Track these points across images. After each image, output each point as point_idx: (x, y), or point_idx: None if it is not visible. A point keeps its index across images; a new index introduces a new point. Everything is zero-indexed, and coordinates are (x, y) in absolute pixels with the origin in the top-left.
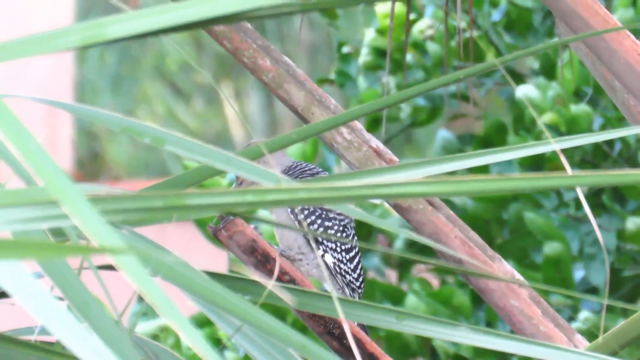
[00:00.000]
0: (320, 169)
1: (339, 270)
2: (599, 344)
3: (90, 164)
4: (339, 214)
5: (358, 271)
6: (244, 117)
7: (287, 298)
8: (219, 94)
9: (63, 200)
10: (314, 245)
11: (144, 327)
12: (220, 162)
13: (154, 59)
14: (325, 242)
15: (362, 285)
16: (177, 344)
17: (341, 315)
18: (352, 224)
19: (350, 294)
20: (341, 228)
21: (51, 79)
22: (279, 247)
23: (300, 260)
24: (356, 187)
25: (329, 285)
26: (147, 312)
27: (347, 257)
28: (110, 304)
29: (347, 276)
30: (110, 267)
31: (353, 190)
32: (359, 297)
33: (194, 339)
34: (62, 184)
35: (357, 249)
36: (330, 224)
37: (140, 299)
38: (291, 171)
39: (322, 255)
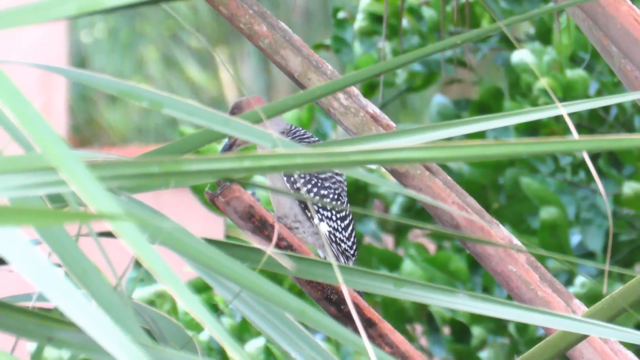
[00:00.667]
0: (316, 138)
1: (333, 239)
2: (598, 309)
3: (85, 130)
4: (334, 183)
5: (352, 239)
6: (239, 82)
7: (286, 264)
8: (214, 60)
9: (61, 167)
10: (313, 213)
11: (140, 294)
12: (218, 125)
13: (150, 25)
14: (320, 210)
15: (355, 253)
16: (174, 310)
17: (340, 282)
18: (345, 192)
19: (344, 262)
20: (336, 196)
21: (45, 46)
22: (276, 214)
23: (297, 228)
24: (353, 152)
25: (325, 254)
26: (143, 279)
27: (342, 225)
28: (110, 271)
29: (342, 244)
30: (107, 234)
31: (350, 155)
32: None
33: (192, 305)
34: (60, 151)
35: (350, 217)
36: (325, 192)
37: (137, 265)
38: (289, 135)
39: (317, 224)
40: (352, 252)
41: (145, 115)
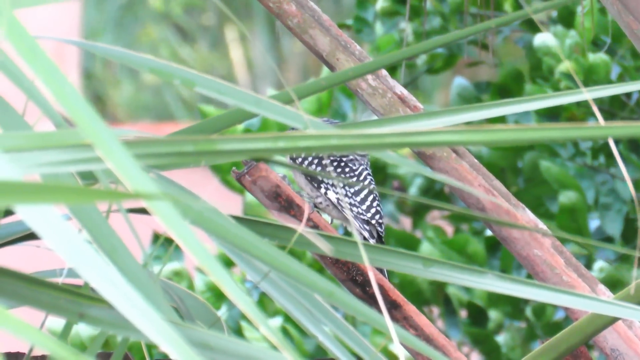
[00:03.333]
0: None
1: (343, 205)
2: (625, 294)
3: (94, 107)
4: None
5: (368, 203)
6: (248, 60)
7: (320, 244)
8: (224, 37)
9: (98, 144)
10: (325, 185)
11: (158, 271)
12: (249, 104)
13: (159, 2)
14: (324, 180)
15: (377, 218)
16: (191, 288)
17: (366, 262)
18: (362, 162)
19: (361, 225)
20: (342, 164)
21: (57, 24)
22: (307, 195)
23: (321, 203)
24: (387, 134)
25: (346, 224)
26: (161, 257)
27: (352, 190)
28: (135, 247)
29: (355, 209)
30: (135, 211)
31: (384, 137)
32: (378, 232)
33: (222, 279)
34: (97, 127)
35: (365, 183)
36: (327, 161)
37: (154, 243)
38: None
39: (325, 193)
40: (369, 215)
41: (153, 93)
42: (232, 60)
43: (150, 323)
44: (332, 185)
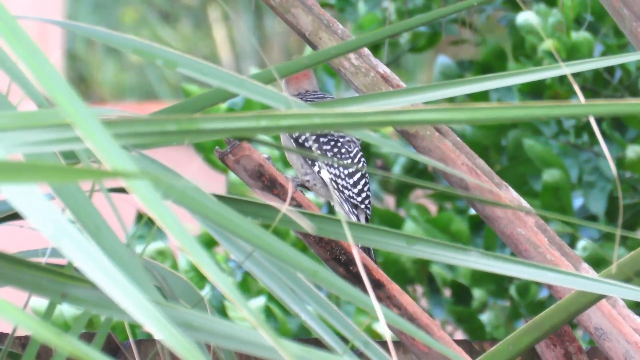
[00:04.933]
0: (328, 94)
1: (336, 186)
2: (611, 272)
3: (78, 87)
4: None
5: (359, 187)
6: (231, 40)
7: (303, 222)
8: (207, 17)
9: (77, 124)
10: (322, 164)
11: (141, 251)
12: (232, 85)
13: None
14: (318, 161)
15: (366, 203)
16: (174, 267)
17: (350, 240)
18: (357, 143)
19: (349, 209)
20: (339, 144)
21: (40, 6)
22: (291, 175)
23: (308, 182)
24: (370, 113)
25: (335, 204)
26: (144, 236)
27: (345, 172)
28: (118, 227)
29: (346, 191)
30: (117, 190)
31: (366, 116)
32: (366, 215)
33: (203, 261)
34: (77, 107)
35: (362, 169)
36: (325, 139)
37: (138, 222)
38: (305, 96)
39: (318, 172)
40: (359, 199)
41: (136, 73)
42: (215, 40)
43: (133, 302)
44: (327, 164)
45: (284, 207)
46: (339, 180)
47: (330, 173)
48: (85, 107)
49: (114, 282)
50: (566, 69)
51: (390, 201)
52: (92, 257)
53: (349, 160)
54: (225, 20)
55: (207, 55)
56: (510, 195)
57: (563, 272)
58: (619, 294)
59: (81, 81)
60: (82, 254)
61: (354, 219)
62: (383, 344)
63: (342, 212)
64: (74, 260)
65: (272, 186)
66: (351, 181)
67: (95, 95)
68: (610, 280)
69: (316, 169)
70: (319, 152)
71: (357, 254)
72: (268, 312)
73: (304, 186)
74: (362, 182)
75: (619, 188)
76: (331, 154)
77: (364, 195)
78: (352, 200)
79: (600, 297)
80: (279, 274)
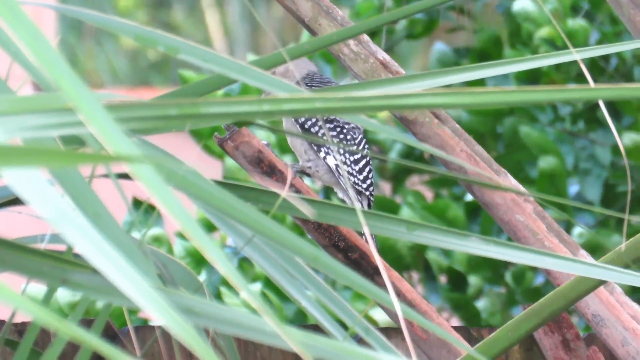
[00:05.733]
0: (332, 80)
1: (341, 172)
2: (608, 260)
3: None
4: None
5: (365, 174)
6: (225, 26)
7: (303, 208)
8: (200, 3)
9: (80, 108)
10: (326, 148)
11: (137, 237)
12: (233, 71)
13: None
14: (325, 144)
15: (370, 189)
16: (170, 253)
17: (354, 227)
18: (361, 130)
19: (354, 196)
20: (344, 130)
21: None
22: (290, 161)
23: (310, 168)
24: (372, 97)
25: (339, 190)
26: (141, 222)
27: (352, 158)
28: (123, 213)
29: (352, 178)
30: (120, 176)
31: (368, 100)
32: (368, 202)
33: (205, 244)
34: (79, 91)
35: (367, 158)
36: (331, 125)
37: (135, 208)
38: (306, 79)
39: (324, 158)
40: (364, 186)
41: (130, 59)
42: (207, 27)
43: (136, 288)
44: (334, 150)
45: (284, 193)
46: (345, 167)
47: (337, 159)
48: (88, 91)
49: (116, 268)
50: (576, 55)
51: (386, 188)
52: (94, 243)
53: (355, 147)
54: (218, 7)
55: (201, 41)
56: (509, 182)
57: (562, 258)
58: (618, 280)
59: (75, 68)
60: (84, 239)
61: (358, 205)
62: (382, 330)
63: (347, 198)
64: (75, 246)
65: (272, 172)
66: (357, 167)
67: (88, 82)
68: (609, 266)
69: (322, 154)
70: (326, 137)
71: (367, 231)
72: (264, 298)
73: (304, 172)
74: (367, 169)
75: (628, 174)
76: (337, 140)
77: (368, 182)
78: (357, 187)
79: (599, 283)
80: (278, 259)
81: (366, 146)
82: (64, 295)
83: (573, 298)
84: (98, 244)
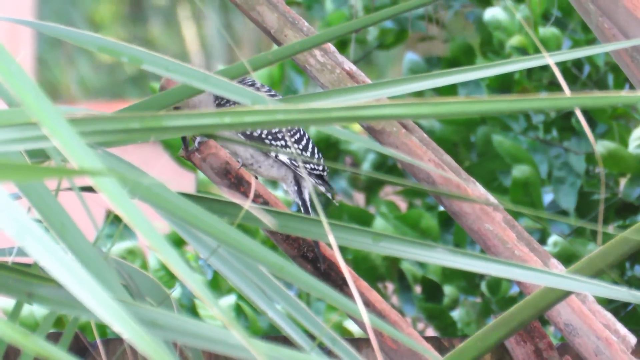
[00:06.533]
0: (276, 93)
1: (297, 165)
2: (578, 268)
3: (48, 89)
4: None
5: (317, 155)
6: (202, 39)
7: (266, 220)
8: (176, 16)
9: (43, 122)
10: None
11: (112, 250)
12: (198, 81)
13: None
14: (273, 142)
15: (323, 165)
16: (144, 267)
17: (311, 237)
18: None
19: (315, 182)
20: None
21: (10, 4)
22: (240, 160)
23: (260, 167)
24: (334, 109)
25: (285, 185)
26: (114, 235)
27: (300, 146)
28: (87, 226)
29: (308, 165)
30: (86, 189)
31: (330, 112)
32: (326, 181)
33: (170, 258)
34: (43, 106)
35: (306, 136)
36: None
37: (106, 221)
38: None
39: (276, 156)
40: (320, 168)
41: (108, 73)
42: (184, 39)
43: (98, 301)
44: (282, 147)
45: (247, 204)
46: (299, 158)
47: (287, 153)
48: (51, 105)
49: (78, 281)
50: (549, 59)
51: (360, 198)
52: (56, 256)
53: (296, 131)
54: (194, 20)
55: (178, 54)
56: (478, 191)
57: (530, 268)
58: (586, 290)
59: (51, 82)
60: (45, 253)
61: (322, 189)
62: (353, 341)
63: (291, 191)
64: (37, 258)
65: (239, 184)
66: (308, 153)
67: (65, 96)
68: (577, 276)
69: (272, 154)
70: (270, 139)
71: (335, 243)
72: (239, 310)
73: (252, 170)
74: (311, 145)
75: (602, 182)
76: (280, 135)
77: (320, 156)
78: (315, 172)
79: (568, 292)
80: (247, 272)
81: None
82: (39, 308)
83: (542, 307)
84: (60, 257)
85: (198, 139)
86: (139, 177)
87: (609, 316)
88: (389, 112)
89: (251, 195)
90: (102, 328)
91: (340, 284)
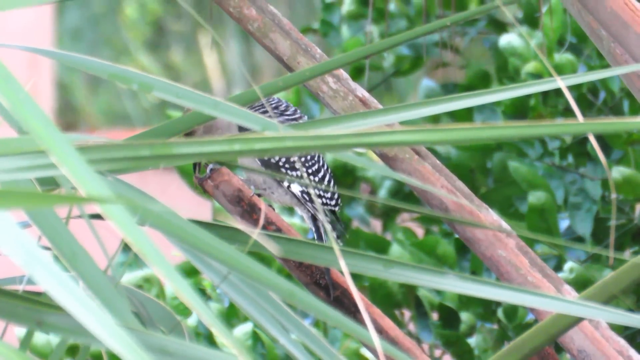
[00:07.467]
0: (296, 109)
1: (308, 198)
2: (590, 294)
3: (70, 114)
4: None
5: (330, 189)
6: (222, 67)
7: (271, 247)
8: (198, 44)
9: (51, 150)
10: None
11: (128, 278)
12: (207, 107)
13: (133, 9)
14: (289, 172)
15: (338, 201)
16: (162, 294)
17: (322, 263)
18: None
19: (327, 216)
20: (308, 157)
21: (31, 32)
22: (253, 188)
23: (272, 193)
24: (343, 135)
25: (300, 211)
26: (131, 263)
27: (317, 178)
28: (99, 254)
29: (321, 199)
30: (97, 216)
31: (341, 138)
32: (337, 217)
33: (180, 287)
34: (50, 134)
35: (325, 167)
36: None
37: (125, 249)
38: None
39: (288, 187)
40: (333, 203)
41: (130, 100)
42: (205, 67)
43: (105, 329)
44: (298, 177)
45: (256, 232)
46: (312, 191)
47: (301, 186)
48: (59, 133)
49: (86, 309)
50: (561, 82)
51: (377, 225)
52: (63, 284)
53: (315, 162)
54: (216, 47)
55: (198, 82)
56: (490, 217)
57: (542, 295)
58: (598, 316)
59: (74, 110)
60: (53, 281)
61: (328, 227)
62: None
63: (306, 217)
64: (44, 287)
65: (252, 211)
66: (323, 186)
67: (87, 123)
68: (589, 302)
69: (285, 184)
70: (286, 167)
71: (347, 273)
72: (255, 337)
73: (265, 195)
74: (332, 182)
75: (614, 208)
76: (300, 164)
77: (336, 195)
78: (328, 205)
79: (580, 318)
80: (260, 301)
81: (323, 158)
82: (56, 336)
83: (554, 333)
84: (67, 285)
85: (210, 166)
86: (148, 204)
87: (622, 342)
88: (397, 139)
89: (261, 222)
90: (114, 357)
91: (353, 310)
